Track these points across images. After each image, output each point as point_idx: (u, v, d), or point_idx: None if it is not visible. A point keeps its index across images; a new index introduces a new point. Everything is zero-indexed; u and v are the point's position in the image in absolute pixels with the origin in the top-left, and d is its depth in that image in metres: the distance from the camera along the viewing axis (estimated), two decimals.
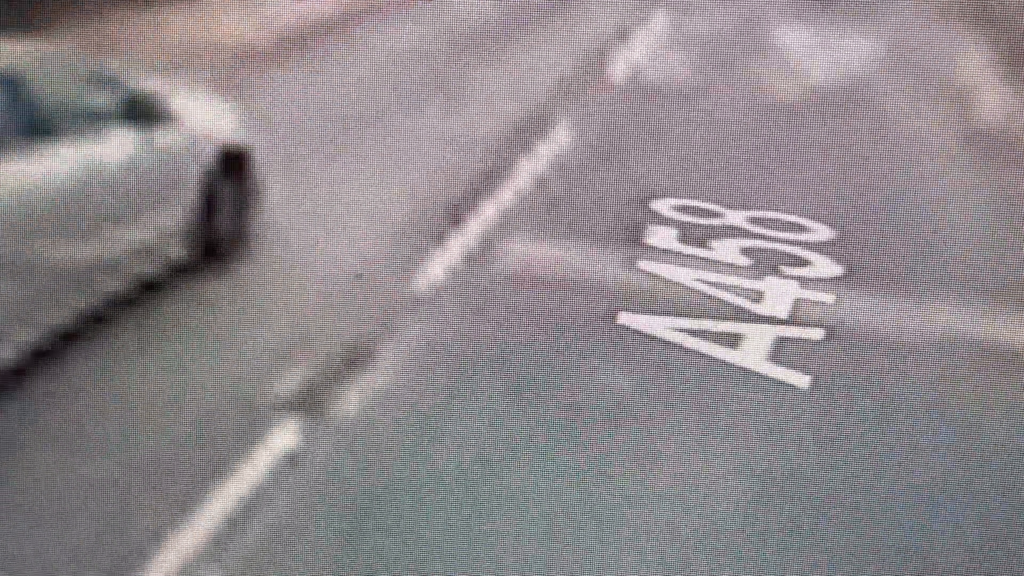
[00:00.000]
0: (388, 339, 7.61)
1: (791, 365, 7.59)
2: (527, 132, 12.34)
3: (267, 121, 11.51)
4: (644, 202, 10.35)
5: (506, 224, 9.75)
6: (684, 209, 10.23)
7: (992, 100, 14.61)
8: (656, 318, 8.12)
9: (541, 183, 10.82)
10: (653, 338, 7.84)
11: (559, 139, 12.18)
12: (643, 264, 9.05)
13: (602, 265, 9.01)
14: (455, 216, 9.80)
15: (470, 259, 8.97)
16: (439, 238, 9.29)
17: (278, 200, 9.85)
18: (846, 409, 7.14)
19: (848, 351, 7.89)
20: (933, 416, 7.13)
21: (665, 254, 9.27)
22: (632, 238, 9.55)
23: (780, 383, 7.37)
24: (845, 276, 9.04)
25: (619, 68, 15.39)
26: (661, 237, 9.59)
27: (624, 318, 8.09)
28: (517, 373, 7.27)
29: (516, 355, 7.52)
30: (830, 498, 6.19)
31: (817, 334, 8.07)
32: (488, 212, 9.96)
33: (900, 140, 13.02)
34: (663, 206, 10.27)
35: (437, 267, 8.75)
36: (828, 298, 8.65)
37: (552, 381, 7.19)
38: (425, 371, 7.28)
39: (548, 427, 6.68)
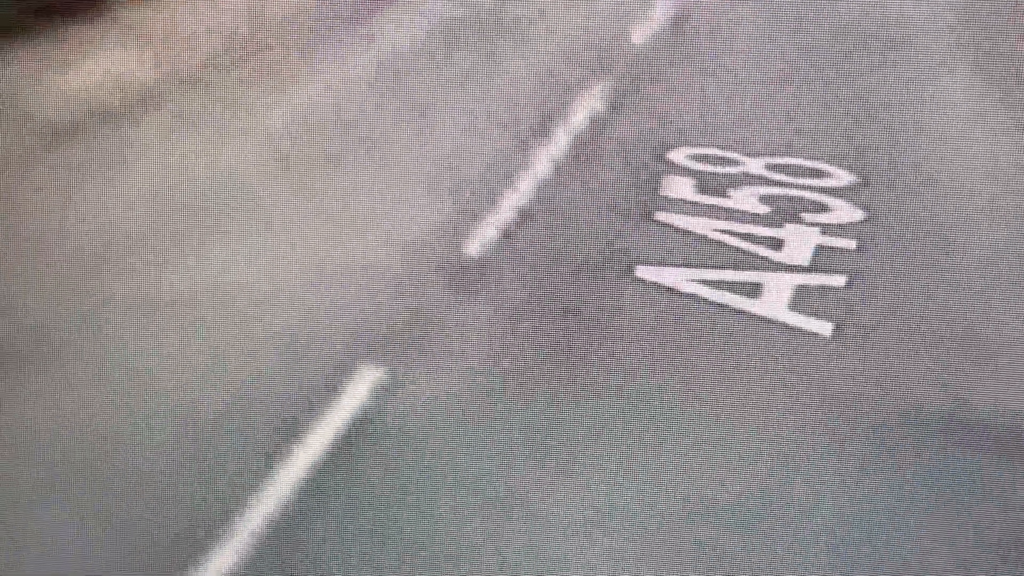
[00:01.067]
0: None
1: (812, 313, 7.47)
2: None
3: None
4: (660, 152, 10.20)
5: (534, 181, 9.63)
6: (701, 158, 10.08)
7: None
8: (674, 269, 8.00)
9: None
10: (672, 290, 7.72)
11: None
12: (660, 215, 8.92)
13: (619, 217, 8.87)
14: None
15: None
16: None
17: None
18: (870, 355, 7.01)
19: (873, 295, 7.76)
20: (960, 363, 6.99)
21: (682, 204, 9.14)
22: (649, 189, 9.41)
23: (800, 331, 7.26)
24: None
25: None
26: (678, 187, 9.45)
27: (642, 271, 7.97)
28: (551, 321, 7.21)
29: (547, 305, 7.44)
30: (853, 442, 6.09)
31: (839, 280, 7.94)
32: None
33: None
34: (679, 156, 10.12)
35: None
36: (851, 244, 8.51)
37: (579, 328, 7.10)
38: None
39: (582, 365, 6.61)
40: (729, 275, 7.95)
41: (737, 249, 8.37)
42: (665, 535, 5.39)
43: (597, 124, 10.97)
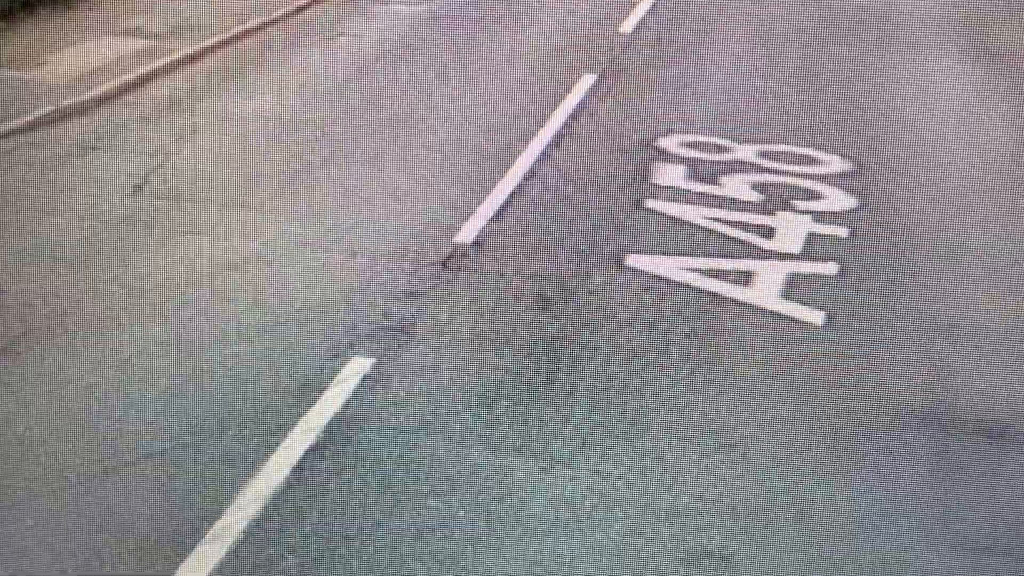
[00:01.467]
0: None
1: (805, 301, 7.42)
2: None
3: None
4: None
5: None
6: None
7: None
8: (666, 258, 7.94)
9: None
10: (663, 279, 7.66)
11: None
12: (651, 203, 8.85)
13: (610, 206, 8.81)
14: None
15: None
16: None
17: None
18: (862, 344, 6.96)
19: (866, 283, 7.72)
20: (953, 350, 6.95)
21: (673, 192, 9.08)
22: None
23: (794, 320, 7.21)
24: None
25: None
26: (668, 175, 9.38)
27: (633, 260, 7.91)
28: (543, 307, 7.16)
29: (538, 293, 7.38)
30: (844, 430, 6.06)
31: (831, 268, 7.89)
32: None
33: None
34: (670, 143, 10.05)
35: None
36: (842, 232, 8.46)
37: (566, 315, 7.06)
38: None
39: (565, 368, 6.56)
40: (721, 263, 7.89)
41: (729, 237, 8.31)
42: (657, 528, 5.35)
43: (588, 112, 10.89)
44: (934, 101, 11.69)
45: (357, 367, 6.47)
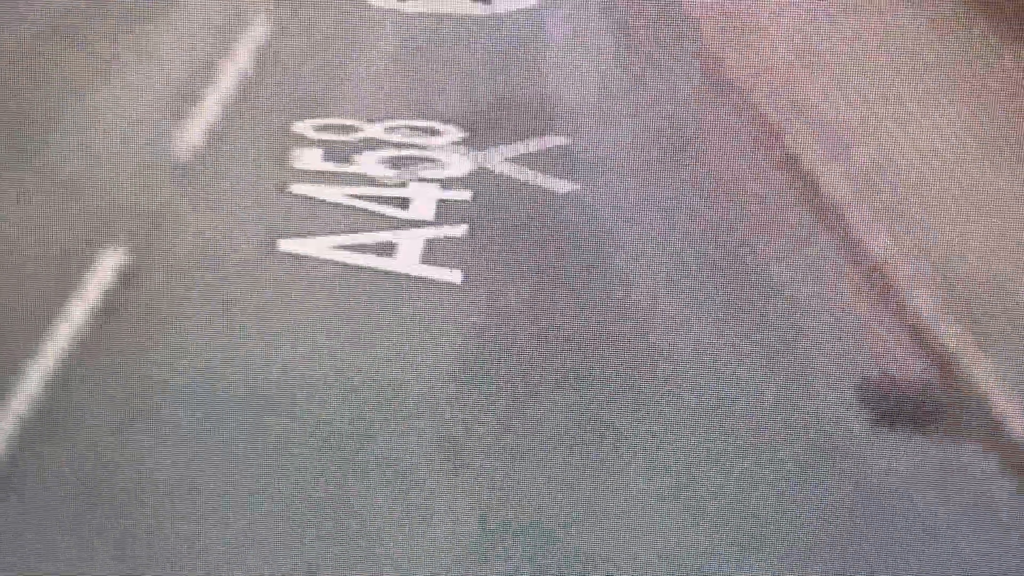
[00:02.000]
0: None
1: (443, 263, 8.36)
2: None
3: None
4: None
5: None
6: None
7: None
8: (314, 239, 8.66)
9: None
10: (313, 260, 8.37)
11: None
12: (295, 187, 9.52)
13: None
14: None
15: None
16: None
17: None
18: (498, 293, 7.98)
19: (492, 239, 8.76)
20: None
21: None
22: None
23: (435, 281, 8.13)
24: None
25: None
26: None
27: (284, 244, 8.56)
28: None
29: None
30: (493, 372, 7.07)
31: (461, 230, 8.87)
32: None
33: None
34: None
35: None
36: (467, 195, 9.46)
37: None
38: None
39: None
40: (365, 238, 8.69)
41: (369, 212, 9.12)
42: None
43: (241, 100, 11.33)
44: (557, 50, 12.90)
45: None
